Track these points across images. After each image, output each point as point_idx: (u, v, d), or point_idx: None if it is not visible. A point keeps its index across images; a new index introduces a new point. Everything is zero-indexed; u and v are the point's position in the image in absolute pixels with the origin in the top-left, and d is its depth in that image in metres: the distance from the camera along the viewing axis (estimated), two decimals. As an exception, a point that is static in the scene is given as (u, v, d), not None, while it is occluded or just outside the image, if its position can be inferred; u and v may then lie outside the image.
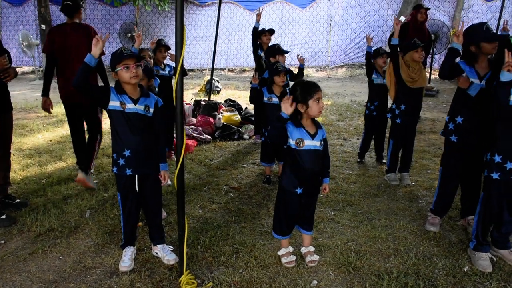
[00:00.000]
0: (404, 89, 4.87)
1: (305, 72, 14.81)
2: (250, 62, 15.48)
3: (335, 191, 4.90)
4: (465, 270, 3.38)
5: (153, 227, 3.59)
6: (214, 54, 9.03)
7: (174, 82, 3.04)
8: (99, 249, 3.74)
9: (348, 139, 7.13)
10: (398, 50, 4.92)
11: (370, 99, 5.76)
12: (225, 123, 7.44)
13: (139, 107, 3.25)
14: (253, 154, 6.34)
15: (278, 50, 5.56)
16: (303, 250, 3.53)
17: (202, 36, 15.75)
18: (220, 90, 11.64)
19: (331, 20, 15.16)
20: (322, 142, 3.25)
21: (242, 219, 4.24)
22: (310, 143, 3.16)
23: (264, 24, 15.32)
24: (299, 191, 3.22)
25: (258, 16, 7.11)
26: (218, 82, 11.91)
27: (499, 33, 6.24)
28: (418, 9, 8.26)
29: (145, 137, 3.29)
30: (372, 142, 6.02)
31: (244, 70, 15.76)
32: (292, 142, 3.16)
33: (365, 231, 3.97)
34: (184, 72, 5.52)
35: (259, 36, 6.97)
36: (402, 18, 12.90)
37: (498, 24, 10.36)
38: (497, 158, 3.29)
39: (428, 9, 8.29)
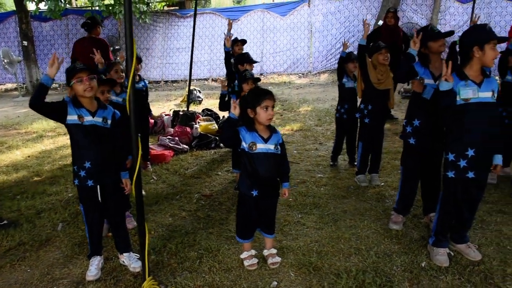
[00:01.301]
0: (371, 90, 4.99)
1: (287, 79, 15.04)
2: (233, 71, 15.59)
3: (304, 194, 4.99)
4: (423, 265, 3.47)
5: (118, 236, 3.66)
6: (191, 64, 9.15)
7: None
8: (68, 261, 3.80)
9: (324, 144, 7.22)
10: (367, 51, 5.05)
11: (341, 103, 5.86)
12: (202, 132, 7.53)
13: (97, 119, 3.34)
14: (228, 161, 6.41)
15: (247, 59, 5.65)
16: (265, 252, 3.61)
17: (184, 47, 15.84)
18: (202, 100, 11.73)
19: (311, 27, 15.31)
20: (278, 147, 3.34)
21: (210, 225, 4.32)
22: (263, 147, 3.26)
23: (245, 33, 15.57)
24: (254, 193, 3.31)
25: (229, 25, 7.21)
26: (200, 92, 11.99)
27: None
28: (387, 13, 8.45)
29: (105, 148, 3.38)
30: (345, 146, 6.12)
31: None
32: (245, 145, 3.26)
33: (329, 232, 4.05)
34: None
35: (231, 45, 7.07)
36: (380, 22, 13.14)
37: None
38: (451, 157, 3.39)
39: (395, 12, 8.44)
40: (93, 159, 3.32)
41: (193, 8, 18.19)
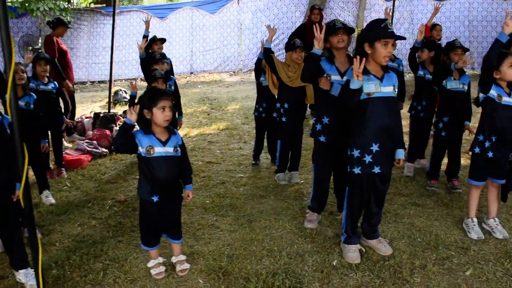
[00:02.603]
0: (285, 88, 4.95)
1: (218, 77, 14.88)
2: (163, 70, 15.23)
3: (222, 195, 4.86)
4: (334, 264, 3.44)
5: (12, 253, 3.36)
6: (112, 64, 8.82)
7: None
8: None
9: (248, 142, 7.12)
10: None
11: (259, 101, 5.80)
12: (122, 134, 7.21)
13: None
14: (148, 164, 6.18)
15: (152, 59, 5.46)
16: (174, 259, 3.44)
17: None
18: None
19: (241, 25, 15.22)
20: (178, 149, 3.19)
21: (120, 233, 4.09)
22: (161, 150, 3.10)
23: (174, 31, 15.26)
24: (155, 199, 3.14)
25: (147, 24, 6.97)
26: (126, 93, 11.59)
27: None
28: (312, 10, 8.48)
29: None
30: (267, 144, 6.06)
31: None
32: (142, 150, 3.08)
33: (242, 234, 3.95)
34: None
35: (150, 45, 6.82)
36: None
37: (392, 21, 10.82)
38: (356, 153, 3.37)
39: (319, 9, 8.50)
40: None
41: (120, 6, 17.67)
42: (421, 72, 5.26)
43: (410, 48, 5.24)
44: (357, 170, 3.40)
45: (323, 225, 4.09)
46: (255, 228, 4.05)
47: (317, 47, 3.59)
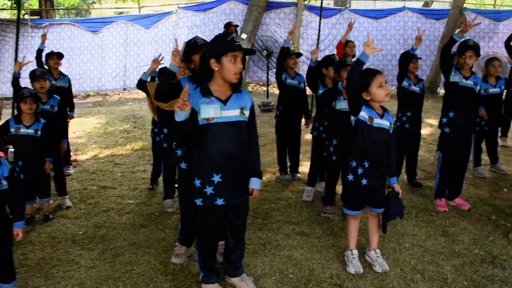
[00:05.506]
0: (163, 112, 4.63)
1: (152, 93, 14.47)
2: (94, 86, 14.75)
3: (100, 225, 4.51)
4: (185, 305, 3.16)
5: None
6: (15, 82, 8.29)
7: None
8: None
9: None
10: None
11: (154, 122, 5.47)
12: (19, 156, 6.76)
13: None
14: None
15: (32, 76, 5.10)
16: (5, 305, 3.08)
17: (40, 60, 14.68)
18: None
19: (176, 40, 14.94)
20: (3, 182, 2.85)
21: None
22: None
23: (107, 46, 14.82)
24: None
25: (44, 37, 6.61)
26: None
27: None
28: (228, 26, 8.37)
29: None
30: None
31: (88, 96, 14.90)
32: None
33: (100, 271, 3.61)
34: None
35: (46, 60, 6.44)
36: (244, 36, 12.99)
37: (318, 38, 10.84)
38: (197, 183, 3.09)
39: (236, 26, 8.41)
40: None
41: (53, 18, 17.06)
42: (321, 91, 5.08)
43: (309, 66, 5.08)
44: (199, 202, 3.11)
45: (192, 260, 3.79)
46: (117, 264, 3.72)
47: (173, 63, 3.29)
